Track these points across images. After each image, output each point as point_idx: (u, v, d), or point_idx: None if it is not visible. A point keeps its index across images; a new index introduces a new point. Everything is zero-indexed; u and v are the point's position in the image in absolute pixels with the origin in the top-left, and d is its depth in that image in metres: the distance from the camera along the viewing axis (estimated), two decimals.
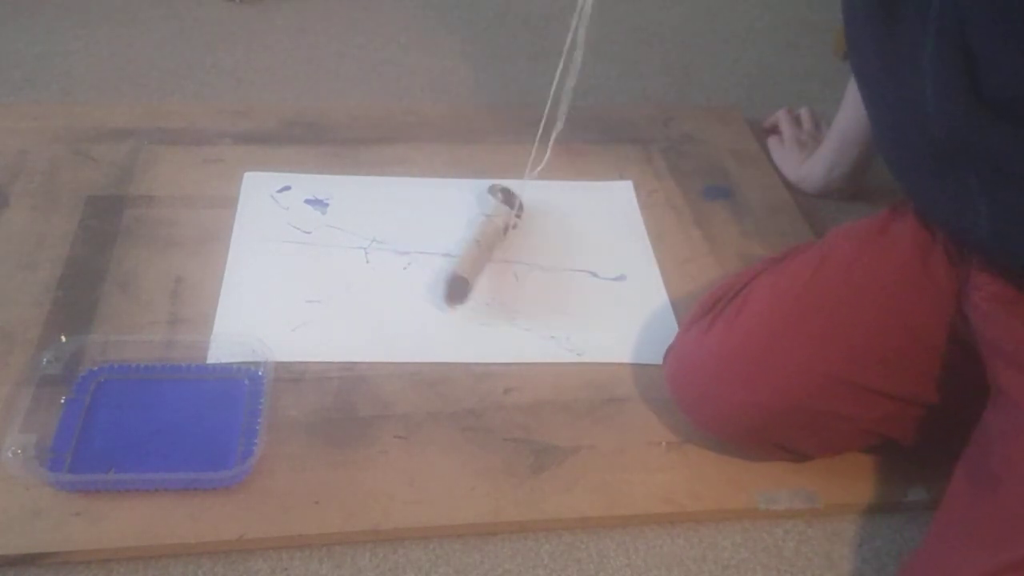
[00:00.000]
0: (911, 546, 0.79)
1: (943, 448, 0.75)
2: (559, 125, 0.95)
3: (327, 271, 1.00)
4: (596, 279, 1.03)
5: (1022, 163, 0.64)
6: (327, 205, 1.09)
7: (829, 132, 1.15)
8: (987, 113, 0.63)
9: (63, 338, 0.88)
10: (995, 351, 0.72)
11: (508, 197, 1.06)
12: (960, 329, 0.76)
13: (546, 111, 0.94)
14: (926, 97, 0.67)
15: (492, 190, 1.07)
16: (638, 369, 0.92)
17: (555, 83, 0.92)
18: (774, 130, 1.28)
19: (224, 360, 0.88)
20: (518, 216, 1.05)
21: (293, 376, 0.88)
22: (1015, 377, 0.69)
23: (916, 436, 0.80)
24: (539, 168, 1.00)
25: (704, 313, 0.84)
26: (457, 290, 0.96)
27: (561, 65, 0.91)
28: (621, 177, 1.19)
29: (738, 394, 0.78)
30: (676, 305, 1.00)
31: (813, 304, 0.79)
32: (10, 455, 0.76)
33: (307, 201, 1.09)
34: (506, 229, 1.03)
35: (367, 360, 0.90)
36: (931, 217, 0.78)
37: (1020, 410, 0.67)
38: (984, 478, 0.67)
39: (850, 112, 1.09)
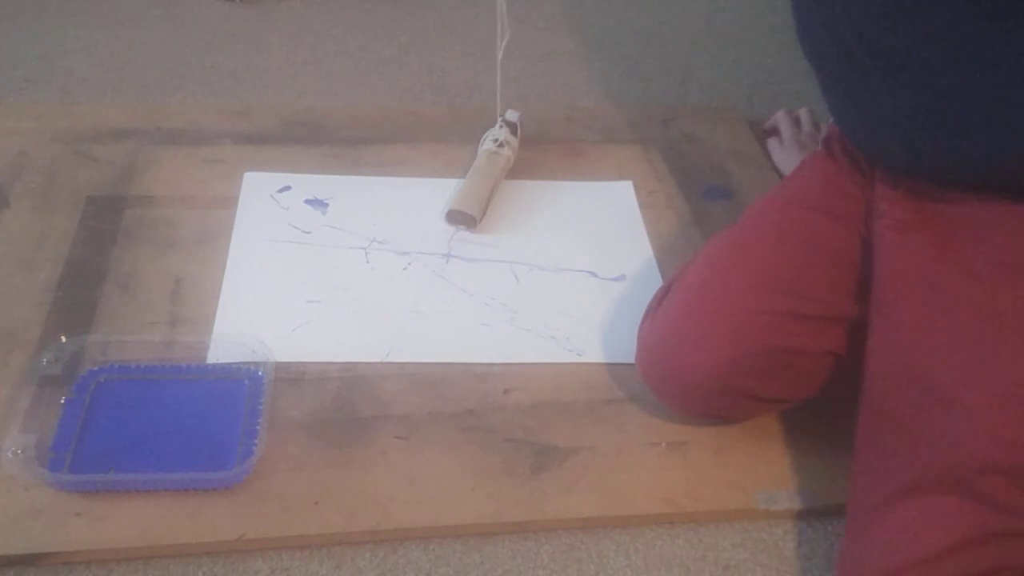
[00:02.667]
0: None
1: None
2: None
3: (327, 271, 1.00)
4: (596, 279, 1.03)
5: (921, 61, 0.72)
6: (327, 205, 1.09)
7: (827, 131, 1.15)
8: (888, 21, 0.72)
9: (63, 338, 0.88)
10: (894, 280, 0.78)
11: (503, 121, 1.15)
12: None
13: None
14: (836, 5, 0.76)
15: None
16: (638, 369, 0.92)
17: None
18: (774, 131, 1.28)
19: (224, 360, 0.88)
20: (502, 142, 1.13)
21: (293, 376, 0.88)
22: (908, 308, 0.75)
23: (857, 351, 0.82)
24: (504, 42, 1.09)
25: (656, 303, 0.88)
26: (459, 221, 1.06)
27: None
28: (621, 177, 1.19)
29: (691, 355, 0.80)
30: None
31: (739, 255, 0.85)
32: (10, 455, 0.76)
33: (307, 201, 1.09)
34: (499, 144, 1.12)
35: (367, 360, 0.90)
36: (846, 124, 0.87)
37: (915, 343, 0.73)
38: (875, 414, 0.74)
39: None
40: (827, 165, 0.91)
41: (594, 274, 1.03)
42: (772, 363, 0.80)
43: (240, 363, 0.88)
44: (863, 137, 0.85)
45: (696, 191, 1.17)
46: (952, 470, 0.66)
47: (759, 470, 0.83)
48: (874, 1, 0.73)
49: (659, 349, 0.84)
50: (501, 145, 1.13)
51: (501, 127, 1.15)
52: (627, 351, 0.94)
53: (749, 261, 0.84)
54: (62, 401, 0.83)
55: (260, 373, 0.86)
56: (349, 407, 0.86)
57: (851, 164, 0.89)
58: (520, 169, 1.18)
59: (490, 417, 0.86)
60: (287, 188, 1.11)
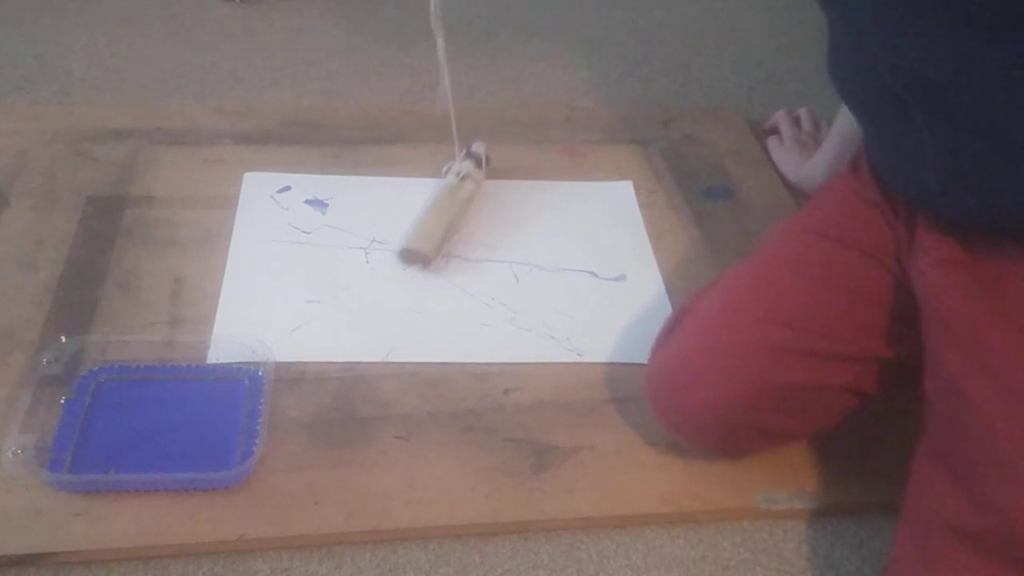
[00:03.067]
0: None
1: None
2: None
3: (327, 271, 1.00)
4: (596, 279, 1.03)
5: (962, 95, 0.65)
6: (327, 205, 1.09)
7: (829, 133, 1.15)
8: (928, 43, 0.65)
9: (63, 338, 0.88)
10: (940, 325, 0.72)
11: (469, 155, 1.10)
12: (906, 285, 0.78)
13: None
14: (870, 30, 0.69)
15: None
16: (638, 369, 0.91)
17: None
18: (774, 131, 1.28)
19: (224, 360, 0.88)
20: (464, 175, 1.08)
21: (293, 376, 0.88)
22: (958, 358, 0.69)
23: (890, 388, 0.80)
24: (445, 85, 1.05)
25: (666, 333, 0.85)
26: (412, 260, 1.00)
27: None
28: (621, 177, 1.19)
29: (704, 392, 0.78)
30: (676, 305, 1.00)
31: (754, 288, 0.82)
32: (10, 455, 0.76)
33: (307, 201, 1.09)
34: (462, 177, 1.07)
35: (367, 360, 0.90)
36: (883, 164, 0.80)
37: (964, 398, 0.67)
38: (949, 467, 0.68)
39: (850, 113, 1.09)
40: (854, 192, 0.84)
41: (594, 274, 1.03)
42: (787, 400, 0.78)
43: (240, 363, 0.88)
44: (903, 182, 0.78)
45: (696, 191, 1.17)
46: (998, 534, 0.63)
47: (759, 470, 0.83)
48: (915, 35, 0.66)
49: (671, 384, 0.81)
50: (464, 179, 1.07)
51: (464, 159, 1.09)
52: (627, 351, 0.94)
53: (765, 294, 0.81)
54: (62, 401, 0.83)
55: (260, 373, 0.86)
56: (349, 407, 0.86)
57: (882, 193, 0.82)
58: (520, 169, 1.18)
59: (490, 417, 0.86)
60: (287, 188, 1.11)
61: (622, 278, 1.03)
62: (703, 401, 0.78)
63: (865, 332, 0.78)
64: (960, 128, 0.67)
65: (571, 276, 1.03)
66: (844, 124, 1.11)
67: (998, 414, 0.65)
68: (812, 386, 0.78)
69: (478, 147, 1.11)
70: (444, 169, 1.10)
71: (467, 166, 1.08)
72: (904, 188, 0.77)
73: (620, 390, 0.90)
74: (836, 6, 0.74)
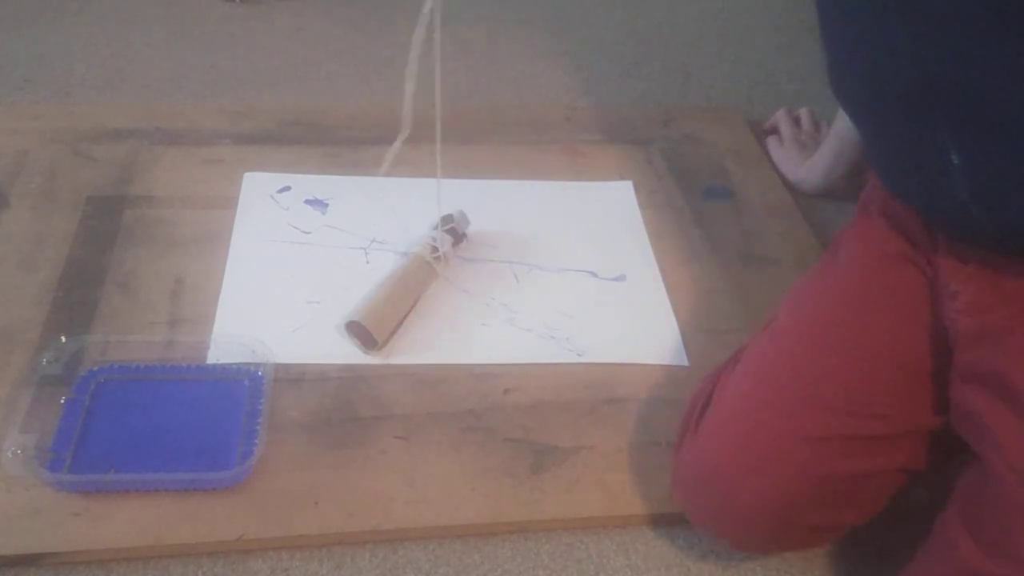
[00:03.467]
0: (911, 546, 0.79)
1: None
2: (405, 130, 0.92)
3: (327, 271, 1.00)
4: (596, 279, 1.03)
5: (996, 101, 0.59)
6: (327, 205, 1.09)
7: (829, 133, 1.16)
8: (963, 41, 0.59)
9: (63, 338, 0.88)
10: (967, 370, 0.68)
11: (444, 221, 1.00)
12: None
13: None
14: (896, 32, 0.62)
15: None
16: (638, 369, 0.92)
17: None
18: (774, 131, 1.28)
19: (224, 360, 0.88)
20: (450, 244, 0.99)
21: (293, 377, 0.88)
22: (1000, 412, 0.64)
23: (938, 456, 0.74)
24: (389, 163, 0.96)
25: (694, 421, 0.78)
26: (357, 335, 0.91)
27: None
28: (621, 177, 1.19)
29: (751, 482, 0.71)
30: (676, 305, 1.00)
31: (790, 369, 0.75)
32: (10, 455, 0.76)
33: (307, 201, 1.09)
34: (435, 252, 0.97)
35: (367, 360, 0.90)
36: (900, 186, 0.73)
37: (996, 443, 0.63)
38: (986, 541, 0.63)
39: (841, 126, 1.09)
40: (868, 239, 0.77)
41: (594, 274, 1.03)
42: (839, 490, 0.72)
43: (240, 363, 0.88)
44: (928, 201, 0.70)
45: (696, 191, 1.17)
46: None
47: None
48: (940, 37, 0.60)
49: (708, 478, 0.74)
50: (438, 259, 0.97)
51: (444, 231, 0.99)
52: (627, 351, 0.94)
53: (803, 377, 0.73)
54: (62, 401, 0.83)
55: (260, 373, 0.86)
56: (349, 407, 0.86)
57: (899, 233, 0.76)
58: (520, 169, 1.18)
59: (490, 417, 0.86)
60: (287, 188, 1.11)
61: (622, 278, 1.03)
62: (754, 492, 0.71)
63: (917, 404, 0.72)
64: (992, 131, 0.61)
65: (571, 276, 1.03)
66: (843, 126, 1.11)
67: None
68: (868, 473, 0.72)
69: (462, 221, 1.02)
70: (421, 237, 1.00)
71: (446, 243, 0.99)
72: (930, 209, 0.70)
73: (620, 390, 0.90)
74: (847, 15, 0.68)
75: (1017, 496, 0.61)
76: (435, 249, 0.98)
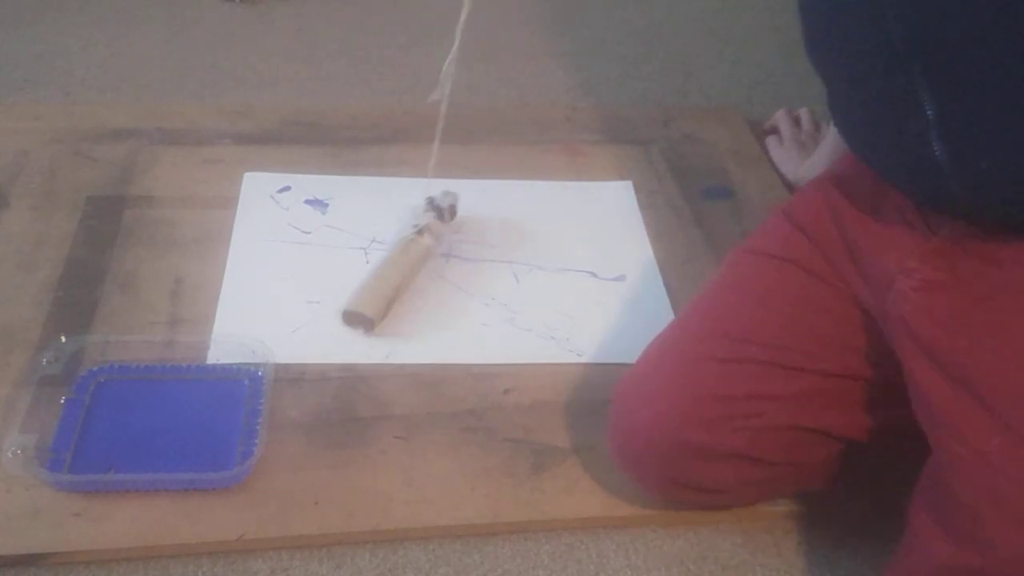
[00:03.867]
0: None
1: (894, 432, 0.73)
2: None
3: (327, 271, 1.00)
4: (596, 279, 1.03)
5: (976, 57, 0.60)
6: (327, 205, 1.09)
7: (829, 133, 1.15)
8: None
9: (63, 338, 0.88)
10: (923, 354, 0.68)
11: (431, 205, 1.02)
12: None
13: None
14: None
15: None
16: None
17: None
18: (774, 131, 1.28)
19: (224, 360, 0.88)
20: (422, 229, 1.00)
21: (293, 377, 0.88)
22: (947, 391, 0.65)
23: (860, 420, 0.76)
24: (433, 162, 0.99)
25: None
26: (356, 323, 0.93)
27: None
28: (621, 177, 1.19)
29: (643, 413, 0.75)
30: (676, 305, 1.00)
31: (699, 310, 0.81)
32: (10, 455, 0.76)
33: (307, 201, 1.09)
34: (419, 231, 0.99)
35: (367, 361, 0.90)
36: (874, 151, 0.73)
37: (958, 434, 0.64)
38: (956, 531, 0.64)
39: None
40: (810, 208, 0.81)
41: (594, 274, 1.03)
42: (736, 415, 0.73)
43: (240, 363, 0.88)
44: (900, 159, 0.70)
45: (696, 191, 1.17)
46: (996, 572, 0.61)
47: None
48: None
49: (616, 412, 0.78)
50: (421, 232, 0.99)
51: (426, 210, 1.01)
52: (627, 351, 0.93)
53: (708, 313, 0.80)
54: (62, 401, 0.83)
55: (260, 373, 0.86)
56: (349, 407, 0.86)
57: (854, 207, 0.78)
58: (520, 169, 1.18)
59: (490, 417, 0.86)
60: (287, 188, 1.11)
61: (622, 278, 1.03)
62: (653, 411, 0.74)
63: (834, 346, 0.75)
64: (971, 87, 0.61)
65: (571, 276, 1.03)
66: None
67: (995, 451, 0.62)
68: (755, 396, 0.73)
69: (444, 197, 1.03)
70: (411, 219, 1.03)
71: (427, 218, 1.00)
72: (901, 167, 0.70)
73: None
74: None
75: (981, 479, 0.62)
76: (416, 226, 1.00)
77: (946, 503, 0.64)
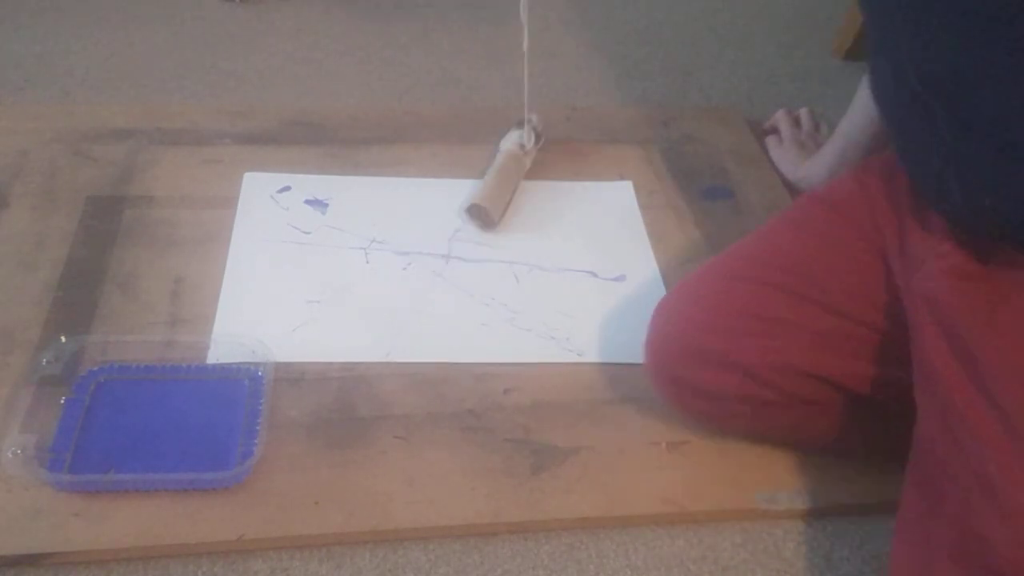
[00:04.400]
0: None
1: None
2: None
3: (327, 271, 1.00)
4: (596, 279, 1.03)
5: (977, 95, 0.66)
6: (327, 205, 1.09)
7: (834, 133, 1.15)
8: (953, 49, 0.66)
9: (63, 338, 0.88)
10: (938, 332, 0.70)
11: (521, 124, 1.15)
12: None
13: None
14: (898, 36, 0.70)
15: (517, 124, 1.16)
16: (638, 369, 0.91)
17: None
18: (774, 131, 1.28)
19: (224, 360, 0.88)
20: (534, 143, 1.15)
21: (293, 376, 0.88)
22: (953, 369, 0.67)
23: (865, 370, 0.80)
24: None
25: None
26: (478, 216, 1.07)
27: None
28: (621, 177, 1.19)
29: (666, 326, 0.83)
30: None
31: (743, 242, 0.89)
32: (10, 455, 0.76)
33: (307, 201, 1.09)
34: (522, 148, 1.13)
35: (367, 360, 0.90)
36: (909, 167, 0.79)
37: (956, 409, 0.66)
38: (931, 492, 0.67)
39: (858, 116, 1.08)
40: (873, 184, 0.86)
41: (594, 274, 1.03)
42: (747, 329, 0.79)
43: (240, 363, 0.88)
44: (926, 183, 0.76)
45: (696, 191, 1.17)
46: (985, 562, 0.62)
47: (759, 470, 0.84)
48: (936, 38, 0.67)
49: (655, 318, 0.86)
50: (523, 148, 1.14)
51: (529, 131, 1.15)
52: (627, 351, 0.94)
53: (749, 242, 0.88)
54: (62, 401, 0.83)
55: (260, 373, 0.86)
56: (349, 407, 0.86)
57: (894, 187, 0.83)
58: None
59: (490, 417, 0.86)
60: (287, 188, 1.11)
61: (622, 278, 1.03)
62: (677, 327, 0.82)
63: (860, 294, 0.80)
64: (976, 127, 0.67)
65: (571, 276, 1.03)
66: (848, 127, 1.11)
67: (987, 432, 0.64)
68: (778, 319, 0.79)
69: (534, 119, 1.16)
70: (503, 136, 1.15)
71: (531, 137, 1.14)
72: (926, 190, 0.76)
73: (620, 390, 0.90)
74: (871, 15, 0.77)
75: (974, 462, 0.64)
76: (522, 146, 1.13)
77: (941, 474, 0.66)
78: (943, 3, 0.65)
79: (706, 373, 0.80)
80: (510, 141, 1.14)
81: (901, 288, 0.77)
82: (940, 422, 0.68)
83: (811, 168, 1.17)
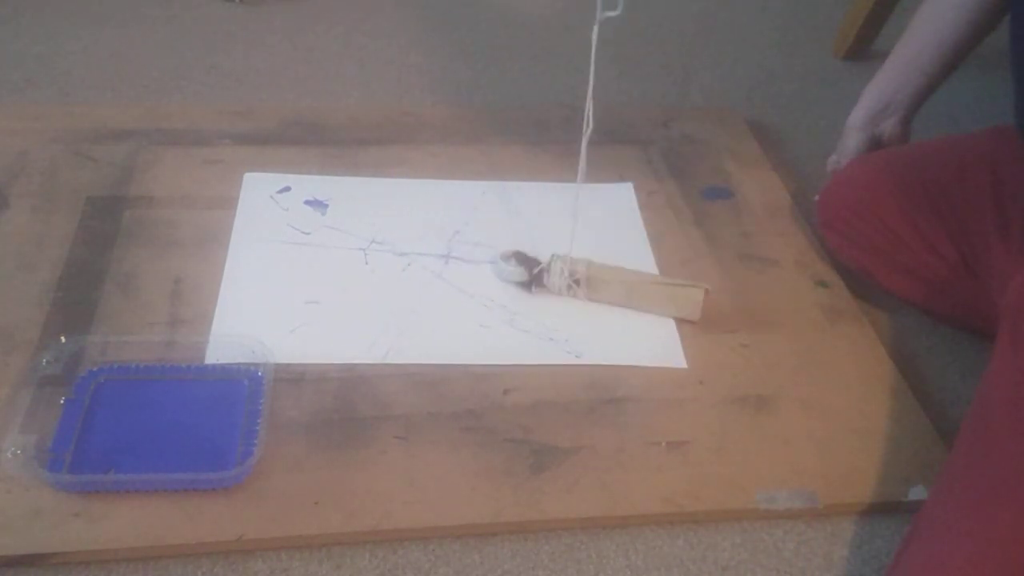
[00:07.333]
0: None
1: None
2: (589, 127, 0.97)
3: (326, 272, 1.00)
4: None
5: None
6: (326, 206, 1.09)
7: (888, 59, 1.05)
8: None
9: (63, 338, 0.88)
10: (1013, 345, 0.69)
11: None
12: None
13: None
14: None
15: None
16: (638, 369, 0.92)
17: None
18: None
19: (224, 361, 0.88)
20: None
21: (293, 377, 0.88)
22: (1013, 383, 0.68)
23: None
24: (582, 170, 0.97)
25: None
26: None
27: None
28: (621, 178, 1.19)
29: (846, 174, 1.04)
30: None
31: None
32: (10, 455, 0.76)
33: (307, 202, 1.09)
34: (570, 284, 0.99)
35: (367, 361, 0.90)
36: None
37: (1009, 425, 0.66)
38: (982, 441, 0.68)
39: (919, 38, 1.02)
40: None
41: None
42: (898, 207, 0.98)
43: (240, 363, 0.87)
44: None
45: (696, 191, 1.17)
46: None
47: (759, 470, 0.84)
48: None
49: (829, 186, 1.06)
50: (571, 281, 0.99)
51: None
52: (626, 352, 0.94)
53: (907, 155, 1.02)
54: (62, 401, 0.83)
55: (260, 373, 0.86)
56: (349, 407, 0.86)
57: None
58: (520, 169, 1.18)
59: (490, 417, 0.86)
60: (287, 189, 1.11)
61: None
62: (853, 198, 1.02)
63: (961, 214, 0.95)
64: None
65: None
66: (911, 50, 1.03)
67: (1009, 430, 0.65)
68: (946, 188, 0.96)
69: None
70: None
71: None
72: None
73: (620, 390, 0.90)
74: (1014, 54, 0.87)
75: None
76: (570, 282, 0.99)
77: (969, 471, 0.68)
78: None
79: (873, 230, 0.99)
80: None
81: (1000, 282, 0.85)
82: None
83: (866, 94, 1.07)
